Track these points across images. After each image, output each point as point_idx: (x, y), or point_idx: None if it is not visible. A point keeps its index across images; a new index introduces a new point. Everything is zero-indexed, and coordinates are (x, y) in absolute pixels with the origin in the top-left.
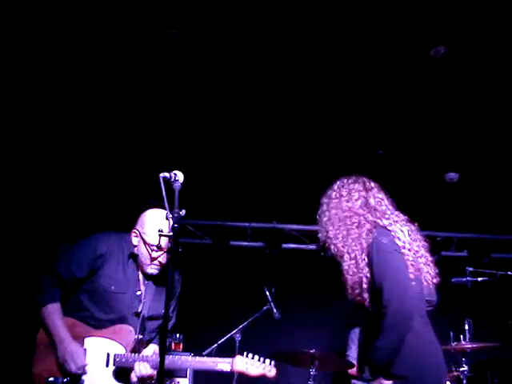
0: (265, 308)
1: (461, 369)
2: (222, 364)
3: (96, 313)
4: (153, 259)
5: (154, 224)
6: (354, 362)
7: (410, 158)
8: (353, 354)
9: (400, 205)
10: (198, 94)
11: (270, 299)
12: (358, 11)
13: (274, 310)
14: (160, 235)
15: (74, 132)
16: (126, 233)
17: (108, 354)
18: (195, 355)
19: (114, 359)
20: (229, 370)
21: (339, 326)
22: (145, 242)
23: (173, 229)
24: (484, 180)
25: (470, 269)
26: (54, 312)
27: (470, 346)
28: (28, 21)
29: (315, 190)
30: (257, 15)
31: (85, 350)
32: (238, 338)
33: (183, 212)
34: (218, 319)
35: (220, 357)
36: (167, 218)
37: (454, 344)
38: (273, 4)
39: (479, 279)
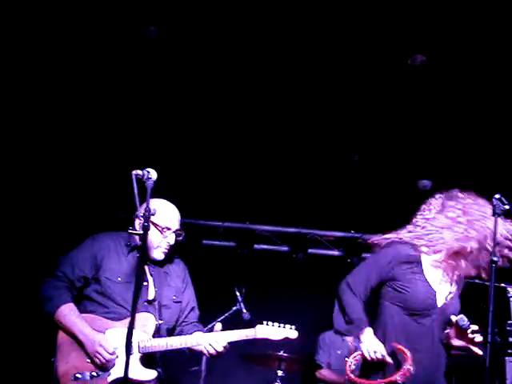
0: (234, 308)
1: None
2: (247, 334)
3: (111, 307)
4: (163, 240)
5: (166, 208)
6: (323, 365)
7: (384, 165)
8: (321, 358)
9: (372, 210)
10: (175, 90)
11: (239, 299)
12: (335, 19)
13: (244, 311)
14: (130, 233)
15: (50, 127)
16: (117, 231)
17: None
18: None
19: (139, 346)
20: (251, 337)
21: (309, 328)
22: (155, 225)
23: (143, 227)
24: (457, 188)
25: None
26: (69, 312)
27: (453, 352)
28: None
29: (289, 192)
30: (237, 11)
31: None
32: None
33: (154, 210)
34: None
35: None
36: (137, 216)
37: None
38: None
39: None
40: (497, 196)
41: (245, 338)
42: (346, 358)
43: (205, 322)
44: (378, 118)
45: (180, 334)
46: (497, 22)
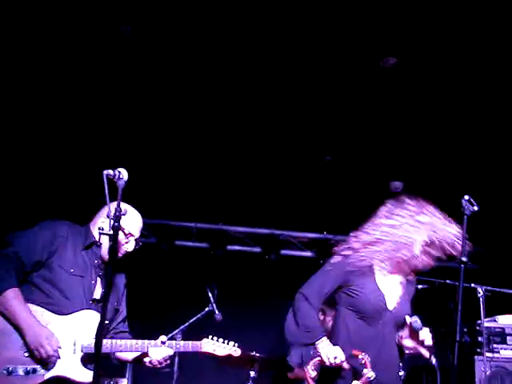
0: (207, 309)
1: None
2: (192, 346)
3: (56, 298)
4: (123, 245)
5: (134, 214)
6: (294, 366)
7: (356, 166)
8: (292, 359)
9: (344, 211)
10: (148, 90)
11: (212, 300)
12: (308, 21)
13: (216, 312)
14: (100, 233)
15: (31, 128)
16: (74, 223)
17: (75, 341)
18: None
19: (82, 346)
20: (196, 350)
21: (281, 329)
22: (121, 228)
23: (113, 227)
24: (427, 190)
25: None
26: (15, 297)
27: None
28: None
29: (262, 194)
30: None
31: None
32: (179, 338)
33: (125, 210)
34: (160, 319)
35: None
36: (108, 217)
37: None
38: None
39: (419, 287)
40: (466, 197)
41: (190, 349)
42: (305, 366)
43: (177, 322)
44: (350, 120)
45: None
46: (468, 24)
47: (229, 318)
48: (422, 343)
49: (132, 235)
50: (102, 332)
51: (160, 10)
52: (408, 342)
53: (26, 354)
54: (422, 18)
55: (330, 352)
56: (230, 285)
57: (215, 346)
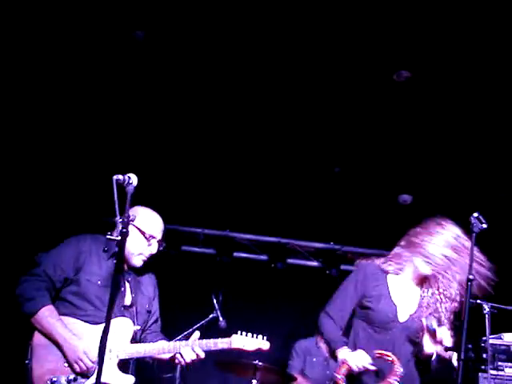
0: (211, 316)
1: None
2: (222, 343)
3: (88, 309)
4: (146, 248)
5: (154, 216)
6: (296, 372)
7: (365, 178)
8: (295, 364)
9: (352, 222)
10: (157, 96)
11: (216, 307)
12: (321, 34)
13: (220, 319)
14: (108, 239)
15: (40, 145)
16: (97, 234)
17: (110, 348)
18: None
19: (118, 352)
20: (227, 347)
21: (286, 337)
22: (142, 232)
23: (121, 233)
24: (436, 203)
25: None
26: (49, 315)
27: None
28: None
29: (270, 202)
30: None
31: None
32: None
33: (133, 216)
34: (164, 324)
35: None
36: (116, 222)
37: None
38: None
39: None
40: (475, 214)
41: (219, 347)
42: (336, 374)
43: (181, 327)
44: (361, 131)
45: (143, 342)
46: (482, 38)
47: (233, 325)
48: (441, 344)
49: (154, 237)
50: (106, 337)
51: (173, 16)
52: (428, 347)
53: (66, 365)
54: (435, 31)
55: (354, 357)
56: (235, 292)
57: (245, 342)
